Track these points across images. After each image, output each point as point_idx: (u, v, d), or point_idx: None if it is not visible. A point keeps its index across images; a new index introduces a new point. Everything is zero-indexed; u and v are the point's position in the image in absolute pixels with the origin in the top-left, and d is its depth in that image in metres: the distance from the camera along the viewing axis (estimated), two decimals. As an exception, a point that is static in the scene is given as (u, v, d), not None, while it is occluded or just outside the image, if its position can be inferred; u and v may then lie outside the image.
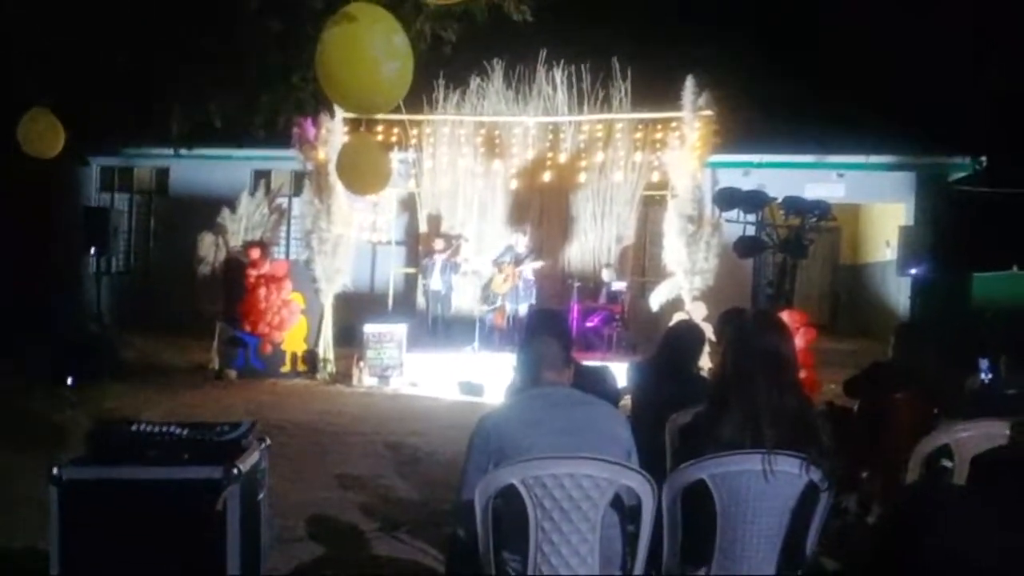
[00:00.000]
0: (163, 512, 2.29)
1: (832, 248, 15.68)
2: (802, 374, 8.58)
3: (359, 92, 2.86)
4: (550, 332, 2.54)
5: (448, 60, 11.98)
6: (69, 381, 8.82)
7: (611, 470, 2.16)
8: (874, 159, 12.73)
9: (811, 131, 12.23)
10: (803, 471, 2.18)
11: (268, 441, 2.88)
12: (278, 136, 10.25)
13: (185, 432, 2.45)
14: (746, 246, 7.02)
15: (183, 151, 9.08)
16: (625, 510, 2.32)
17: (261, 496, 2.71)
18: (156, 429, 2.45)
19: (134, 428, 2.46)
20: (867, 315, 14.41)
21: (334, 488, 5.14)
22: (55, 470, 2.30)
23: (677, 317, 9.74)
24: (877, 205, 13.95)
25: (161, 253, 14.33)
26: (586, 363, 3.46)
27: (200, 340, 10.64)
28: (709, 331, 9.55)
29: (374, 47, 2.79)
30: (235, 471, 2.32)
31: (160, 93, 8.03)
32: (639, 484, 2.20)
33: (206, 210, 11.36)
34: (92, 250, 10.18)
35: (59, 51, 5.81)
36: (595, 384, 3.16)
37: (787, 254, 7.12)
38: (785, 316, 8.69)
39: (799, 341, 8.82)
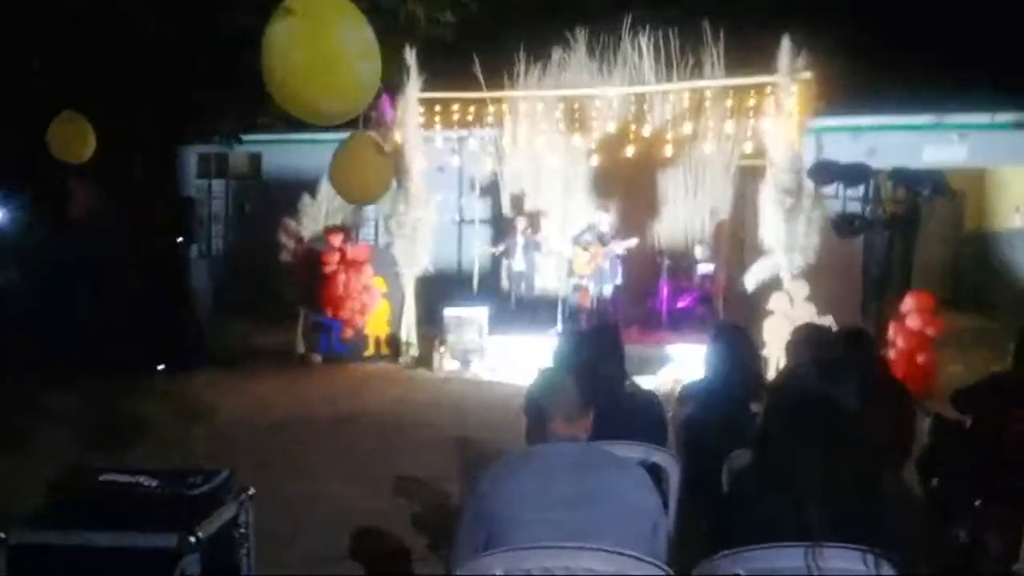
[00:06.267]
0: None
1: (955, 215, 14.35)
2: (919, 359, 7.86)
3: (319, 99, 2.43)
4: (564, 368, 2.13)
5: (529, 32, 11.58)
6: (160, 367, 9.08)
7: (618, 563, 1.72)
8: (1000, 118, 11.44)
9: (927, 89, 11.09)
10: (869, 566, 1.65)
11: (252, 491, 2.54)
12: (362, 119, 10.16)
13: (154, 485, 2.20)
14: (846, 225, 6.32)
15: (238, 138, 9.05)
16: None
17: (242, 555, 2.40)
18: (122, 481, 2.21)
19: (101, 479, 2.24)
20: (993, 288, 13.14)
21: (391, 494, 4.93)
22: (2, 534, 2.08)
23: (775, 298, 9.10)
24: (1005, 168, 12.60)
25: (255, 237, 14.59)
26: (629, 389, 3.00)
27: (291, 322, 10.74)
28: (811, 312, 9.00)
29: (343, 45, 2.36)
30: (193, 539, 2.03)
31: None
32: (654, 579, 1.78)
33: (295, 193, 11.39)
34: (179, 239, 10.37)
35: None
36: (635, 417, 2.74)
37: (896, 232, 6.37)
38: (910, 300, 7.94)
39: (917, 322, 8.05)
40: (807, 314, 9.01)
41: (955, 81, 10.73)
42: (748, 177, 11.18)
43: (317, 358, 9.94)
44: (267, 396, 8.15)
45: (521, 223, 10.86)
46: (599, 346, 3.11)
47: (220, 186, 15.49)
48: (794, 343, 3.26)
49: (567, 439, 2.02)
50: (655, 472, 2.49)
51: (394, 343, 10.23)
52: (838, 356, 2.80)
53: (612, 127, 10.86)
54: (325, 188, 10.46)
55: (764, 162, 9.99)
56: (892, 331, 8.15)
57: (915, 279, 9.02)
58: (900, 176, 6.41)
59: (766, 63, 9.66)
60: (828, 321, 9.03)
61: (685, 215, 11.27)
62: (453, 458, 5.74)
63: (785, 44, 9.14)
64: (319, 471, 5.47)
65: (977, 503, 3.66)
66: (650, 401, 2.97)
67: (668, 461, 2.58)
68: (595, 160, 11.19)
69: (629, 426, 2.59)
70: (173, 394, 8.04)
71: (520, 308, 10.92)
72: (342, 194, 3.87)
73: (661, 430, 2.83)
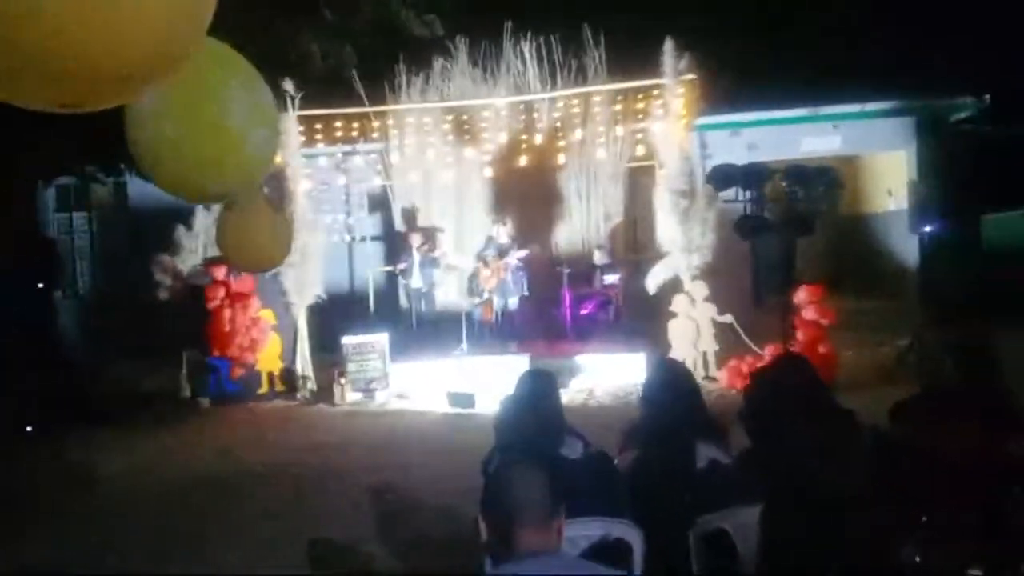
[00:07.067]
0: None
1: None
2: (821, 350, 7.98)
3: (203, 179, 1.93)
4: (525, 463, 1.80)
5: (407, 41, 11.16)
6: (28, 429, 8.18)
7: None
8: (871, 107, 11.95)
9: (802, 83, 11.43)
10: None
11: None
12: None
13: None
14: (749, 227, 6.31)
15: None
16: None
17: None
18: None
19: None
20: (871, 269, 13.75)
21: (307, 566, 4.46)
22: None
23: (677, 301, 9.10)
24: (876, 154, 13.20)
25: (125, 272, 13.53)
26: (570, 450, 2.67)
27: (172, 361, 9.90)
28: (713, 311, 9.05)
29: (230, 111, 1.79)
30: None
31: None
32: None
33: (168, 225, 10.56)
34: (40, 285, 9.41)
35: None
36: (586, 486, 2.43)
37: (793, 232, 6.41)
38: (803, 292, 8.06)
39: (813, 313, 8.20)
40: (708, 314, 9.08)
41: (828, 74, 11.11)
42: (638, 176, 11.23)
43: (205, 402, 9.21)
44: (152, 453, 7.41)
45: (416, 239, 10.48)
46: (532, 399, 2.81)
47: (82, 219, 14.28)
48: (769, 404, 2.85)
49: (541, 553, 1.68)
50: (618, 549, 2.22)
51: (289, 378, 9.62)
52: (827, 428, 2.58)
53: (503, 137, 10.64)
54: (201, 218, 9.76)
55: (653, 163, 10.04)
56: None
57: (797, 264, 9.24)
58: (795, 175, 6.45)
59: (649, 66, 9.68)
60: (728, 319, 9.17)
61: (580, 221, 11.18)
62: (367, 514, 5.28)
63: (668, 46, 9.15)
64: (221, 544, 4.90)
65: (923, 519, 3.59)
66: (601, 463, 2.65)
67: (631, 534, 2.32)
68: (488, 171, 10.94)
69: (580, 497, 2.29)
70: (45, 458, 7.20)
71: (422, 328, 10.55)
72: (236, 264, 3.40)
73: (618, 496, 2.52)
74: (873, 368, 8.95)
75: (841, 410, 3.29)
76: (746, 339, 8.97)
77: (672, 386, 2.99)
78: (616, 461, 2.96)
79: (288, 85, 7.83)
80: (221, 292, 9.19)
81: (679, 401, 2.92)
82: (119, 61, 1.15)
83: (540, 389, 2.92)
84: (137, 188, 13.63)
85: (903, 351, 8.49)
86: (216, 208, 9.81)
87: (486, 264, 9.96)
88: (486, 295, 10.16)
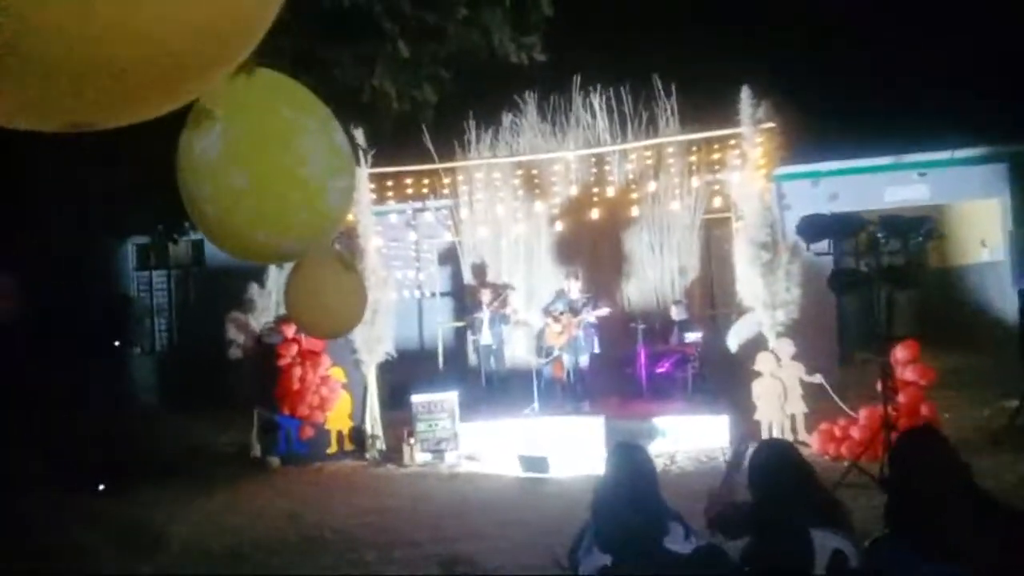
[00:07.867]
0: None
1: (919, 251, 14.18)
2: (924, 411, 7.39)
3: (270, 237, 1.72)
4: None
5: (476, 97, 11.17)
6: (101, 488, 8.17)
7: None
8: (959, 154, 11.36)
9: (884, 130, 10.95)
10: None
11: None
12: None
13: None
14: (845, 281, 5.88)
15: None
16: None
17: None
18: None
19: None
20: (964, 324, 12.91)
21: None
22: None
23: (761, 359, 8.61)
24: (967, 203, 12.51)
25: (200, 329, 13.74)
26: (672, 542, 2.34)
27: (244, 422, 9.88)
28: (800, 371, 8.52)
29: (303, 161, 1.54)
30: None
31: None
32: None
33: (242, 283, 10.67)
34: (116, 343, 9.54)
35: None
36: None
37: (894, 285, 5.95)
38: (902, 350, 7.52)
39: (912, 373, 7.64)
40: (795, 373, 8.56)
41: (912, 120, 10.62)
42: (714, 231, 10.87)
43: (275, 461, 9.09)
44: (222, 513, 7.29)
45: (486, 295, 10.31)
46: (629, 480, 2.50)
47: (161, 277, 14.63)
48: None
49: None
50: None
51: (358, 437, 9.44)
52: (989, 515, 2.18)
53: (573, 190, 10.47)
54: (274, 276, 9.79)
55: (729, 215, 9.69)
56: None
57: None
58: (890, 225, 6.02)
59: (723, 115, 9.41)
60: (818, 379, 8.62)
61: (654, 275, 10.83)
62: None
63: (745, 94, 8.87)
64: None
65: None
66: (714, 558, 2.31)
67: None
68: (559, 225, 10.75)
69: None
70: (114, 516, 7.14)
71: (491, 386, 10.29)
72: (305, 329, 3.20)
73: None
74: (979, 430, 8.26)
75: (985, 491, 2.88)
76: (838, 400, 8.40)
77: (781, 466, 2.64)
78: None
79: (360, 137, 7.78)
80: (292, 350, 9.14)
81: (791, 482, 2.56)
82: (146, 59, 0.89)
83: (636, 466, 2.62)
84: (213, 247, 13.93)
85: (1015, 412, 7.81)
86: (289, 265, 9.86)
87: (556, 319, 9.67)
88: (556, 352, 9.85)
